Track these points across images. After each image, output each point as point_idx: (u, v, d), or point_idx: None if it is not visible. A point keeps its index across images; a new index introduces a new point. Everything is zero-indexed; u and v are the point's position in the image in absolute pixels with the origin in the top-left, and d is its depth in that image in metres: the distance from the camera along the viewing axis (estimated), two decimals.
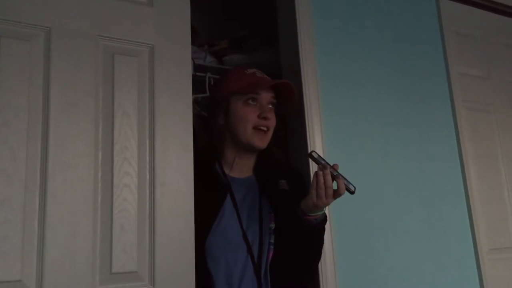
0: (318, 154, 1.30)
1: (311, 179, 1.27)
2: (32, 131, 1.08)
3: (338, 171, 1.27)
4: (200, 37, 2.18)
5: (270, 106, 1.40)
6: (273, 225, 1.40)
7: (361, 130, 1.85)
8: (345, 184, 1.25)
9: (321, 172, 1.24)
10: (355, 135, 1.83)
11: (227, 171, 1.40)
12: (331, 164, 1.28)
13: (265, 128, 1.37)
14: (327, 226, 1.36)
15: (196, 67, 1.95)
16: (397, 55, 2.06)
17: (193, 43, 1.40)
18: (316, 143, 1.67)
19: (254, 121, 1.36)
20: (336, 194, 1.24)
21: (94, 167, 1.14)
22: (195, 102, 1.55)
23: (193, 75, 1.35)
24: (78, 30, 1.17)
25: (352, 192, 1.27)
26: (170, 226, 1.19)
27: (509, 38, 2.53)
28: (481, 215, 2.10)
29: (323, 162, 1.27)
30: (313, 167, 1.58)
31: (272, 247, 1.37)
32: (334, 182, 1.26)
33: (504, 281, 2.10)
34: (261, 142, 1.38)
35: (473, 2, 2.40)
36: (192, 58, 1.38)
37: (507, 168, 2.30)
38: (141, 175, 1.19)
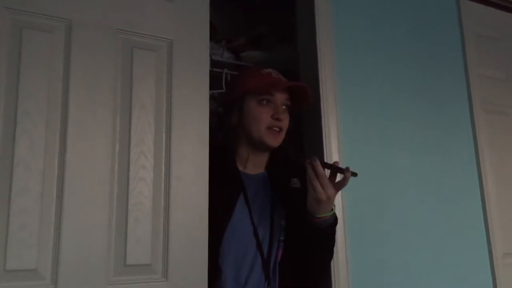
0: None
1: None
2: (51, 121, 1.09)
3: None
4: (218, 33, 2.18)
5: (284, 107, 1.40)
6: (284, 223, 1.40)
7: (377, 129, 1.84)
8: (343, 168, 1.23)
9: (310, 165, 1.24)
10: (372, 133, 1.82)
11: (240, 168, 1.41)
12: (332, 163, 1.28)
13: (277, 129, 1.38)
14: (339, 223, 1.35)
15: (213, 63, 1.95)
16: (416, 54, 2.04)
17: (211, 39, 1.40)
18: (332, 140, 1.67)
19: (267, 121, 1.36)
20: (340, 184, 1.23)
21: (111, 159, 1.15)
22: (212, 98, 1.55)
23: (210, 70, 1.36)
24: (98, 23, 1.19)
25: (355, 175, 1.24)
26: (184, 220, 1.20)
27: None
28: (497, 219, 2.07)
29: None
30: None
31: (282, 244, 1.38)
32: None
33: None
34: (275, 140, 1.38)
35: (494, 3, 2.37)
36: (209, 54, 1.39)
37: None
38: (156, 168, 1.20)
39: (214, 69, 1.95)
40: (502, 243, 2.07)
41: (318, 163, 1.24)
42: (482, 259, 1.99)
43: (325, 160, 1.60)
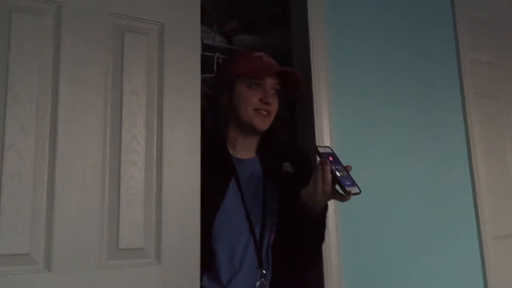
0: (330, 149, 1.26)
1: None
2: (42, 106, 1.08)
3: (350, 173, 1.23)
4: (210, 17, 2.16)
5: (273, 91, 1.40)
6: (276, 207, 1.41)
7: (369, 114, 1.85)
8: (346, 186, 1.19)
9: (320, 167, 1.21)
10: (363, 118, 1.82)
11: (230, 151, 1.41)
12: (344, 165, 1.24)
13: (265, 112, 1.38)
14: (331, 207, 1.36)
15: (205, 47, 1.94)
16: (408, 38, 2.04)
17: (202, 22, 1.39)
18: (324, 125, 1.67)
19: (255, 104, 1.37)
20: (338, 197, 1.22)
21: (102, 143, 1.14)
22: (203, 82, 1.54)
23: (201, 54, 1.35)
24: (88, 6, 1.17)
25: (356, 194, 1.20)
26: (177, 204, 1.20)
27: None
28: (487, 202, 2.10)
29: (325, 158, 1.22)
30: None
31: (274, 228, 1.39)
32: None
33: (507, 268, 2.11)
34: (262, 124, 1.39)
35: None
36: (201, 37, 1.38)
37: None
38: (148, 153, 1.20)
39: (206, 53, 1.94)
40: (491, 225, 2.09)
41: (327, 169, 1.20)
42: (472, 240, 2.02)
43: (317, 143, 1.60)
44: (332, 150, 1.27)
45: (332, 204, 1.58)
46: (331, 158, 1.23)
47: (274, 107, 1.40)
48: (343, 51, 1.83)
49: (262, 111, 1.37)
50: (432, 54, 2.10)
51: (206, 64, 1.85)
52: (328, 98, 1.71)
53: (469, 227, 2.03)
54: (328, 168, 1.20)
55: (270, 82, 1.39)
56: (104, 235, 1.11)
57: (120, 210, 1.14)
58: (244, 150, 1.44)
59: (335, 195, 1.22)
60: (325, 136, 1.66)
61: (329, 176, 1.19)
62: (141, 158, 1.19)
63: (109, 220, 1.13)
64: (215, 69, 1.96)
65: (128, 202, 1.15)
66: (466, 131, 2.10)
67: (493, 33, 2.39)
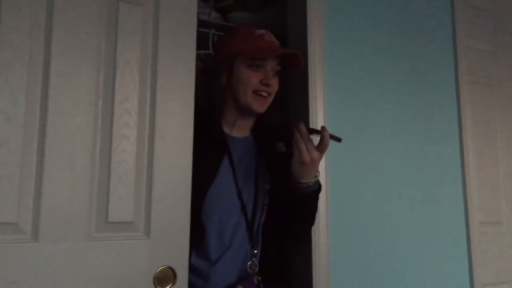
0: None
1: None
2: (32, 73, 1.06)
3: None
4: None
5: (274, 72, 1.38)
6: (268, 187, 1.41)
7: (364, 94, 1.85)
8: (330, 134, 1.25)
9: (295, 128, 1.25)
10: (357, 101, 1.82)
11: (227, 131, 1.40)
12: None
13: (265, 94, 1.36)
14: (322, 187, 1.36)
15: (200, 23, 1.90)
16: (405, 22, 2.04)
17: None
18: (318, 105, 1.66)
19: (255, 85, 1.34)
20: (321, 145, 1.25)
21: (94, 115, 1.13)
22: (197, 58, 1.52)
23: (196, 31, 1.32)
24: None
25: (339, 140, 1.28)
26: (168, 179, 1.20)
27: None
28: (475, 189, 2.12)
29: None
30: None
31: (266, 208, 1.39)
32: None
33: (492, 254, 2.14)
34: (260, 106, 1.36)
35: None
36: (196, 12, 1.35)
37: (504, 145, 2.31)
38: (140, 127, 1.19)
39: (201, 29, 1.91)
40: (479, 212, 2.12)
41: (303, 126, 1.24)
42: (459, 226, 2.04)
43: (311, 126, 1.60)
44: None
45: (323, 183, 1.59)
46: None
47: (274, 88, 1.38)
48: (340, 30, 1.82)
49: (262, 93, 1.35)
50: (429, 39, 2.10)
51: (200, 40, 1.82)
52: (323, 77, 1.70)
53: (457, 212, 2.05)
54: (303, 126, 1.25)
55: (271, 63, 1.36)
56: (93, 208, 1.11)
57: (110, 183, 1.13)
58: (240, 130, 1.42)
59: (319, 147, 1.25)
60: (319, 116, 1.65)
61: (306, 131, 1.24)
62: (133, 132, 1.18)
63: (99, 192, 1.12)
64: (211, 46, 1.93)
65: (118, 176, 1.14)
66: (459, 117, 2.11)
67: (491, 20, 2.38)
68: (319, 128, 1.29)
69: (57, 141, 1.07)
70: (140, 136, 1.19)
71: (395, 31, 1.99)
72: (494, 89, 2.34)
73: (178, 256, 1.19)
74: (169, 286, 1.15)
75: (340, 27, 1.82)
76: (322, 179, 1.59)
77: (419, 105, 2.01)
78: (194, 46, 1.29)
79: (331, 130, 1.29)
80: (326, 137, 1.24)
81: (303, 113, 1.67)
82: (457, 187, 2.07)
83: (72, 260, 1.06)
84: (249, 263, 1.33)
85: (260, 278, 1.35)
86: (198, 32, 1.48)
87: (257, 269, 1.35)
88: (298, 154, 1.24)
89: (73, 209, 1.08)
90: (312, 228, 1.56)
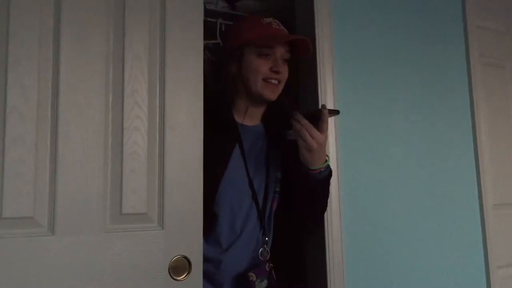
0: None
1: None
2: (43, 70, 1.07)
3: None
4: None
5: (284, 59, 1.38)
6: (279, 174, 1.41)
7: (373, 76, 1.84)
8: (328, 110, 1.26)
9: (293, 120, 1.26)
10: (367, 85, 1.81)
11: (239, 119, 1.40)
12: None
13: (275, 81, 1.36)
14: (333, 172, 1.36)
15: (207, 12, 1.90)
16: (414, 3, 2.01)
17: None
18: (327, 90, 1.66)
19: (265, 73, 1.34)
20: (322, 125, 1.25)
21: (104, 109, 1.14)
22: (205, 49, 1.52)
23: (204, 20, 1.32)
24: None
25: (337, 113, 1.29)
26: (179, 169, 1.20)
27: None
28: (489, 171, 2.10)
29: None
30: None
31: (277, 196, 1.40)
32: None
33: (507, 236, 2.13)
34: (272, 94, 1.37)
35: None
36: (203, 2, 1.35)
37: None
38: (151, 118, 1.19)
39: (208, 19, 1.90)
40: (493, 194, 2.10)
41: (299, 116, 1.25)
42: (472, 208, 2.03)
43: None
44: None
45: (335, 169, 1.59)
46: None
47: (284, 76, 1.38)
48: (348, 15, 1.80)
49: (272, 80, 1.35)
50: (438, 18, 2.07)
51: (208, 30, 1.82)
52: (332, 63, 1.70)
53: (471, 195, 2.03)
54: (299, 115, 1.26)
55: (280, 51, 1.36)
56: (107, 200, 1.12)
57: (123, 175, 1.14)
58: (252, 118, 1.43)
59: (321, 128, 1.25)
60: (328, 101, 1.65)
61: (305, 119, 1.25)
62: (143, 124, 1.18)
63: (112, 185, 1.13)
64: (218, 36, 1.93)
65: (131, 168, 1.15)
66: (471, 98, 2.09)
67: (502, 0, 2.34)
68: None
69: (69, 136, 1.08)
70: (151, 128, 1.19)
71: (404, 12, 1.97)
72: (507, 70, 2.31)
73: (192, 246, 1.20)
74: (184, 275, 1.17)
75: (347, 12, 1.80)
76: (333, 164, 1.60)
77: (430, 86, 1.99)
78: (202, 36, 1.29)
79: (341, 115, 1.28)
80: (325, 116, 1.24)
81: (313, 99, 1.66)
82: (470, 169, 2.05)
83: (88, 252, 1.08)
84: (260, 250, 1.35)
85: (271, 265, 1.36)
86: (206, 22, 1.48)
87: (268, 256, 1.36)
88: (303, 142, 1.24)
89: (87, 202, 1.09)
90: (325, 214, 1.56)
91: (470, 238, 2.00)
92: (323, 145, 1.26)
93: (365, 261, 1.69)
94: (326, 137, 1.27)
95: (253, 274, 1.30)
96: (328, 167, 1.32)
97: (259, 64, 1.34)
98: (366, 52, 1.83)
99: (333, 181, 1.57)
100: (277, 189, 1.41)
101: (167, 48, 1.23)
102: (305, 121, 1.24)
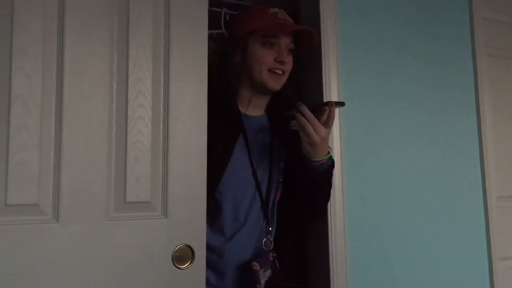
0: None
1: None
2: (47, 58, 1.07)
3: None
4: None
5: (288, 49, 1.37)
6: (283, 165, 1.41)
7: (377, 71, 1.82)
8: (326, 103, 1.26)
9: (297, 112, 1.24)
10: (372, 76, 1.80)
11: (242, 109, 1.40)
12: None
13: (280, 72, 1.36)
14: (337, 164, 1.36)
15: (212, 2, 1.89)
16: None
17: None
18: (332, 81, 1.65)
19: (270, 63, 1.34)
20: (328, 120, 1.25)
21: (109, 98, 1.14)
22: (210, 38, 1.51)
23: (208, 10, 1.32)
24: None
25: (343, 104, 1.28)
26: (183, 158, 1.21)
27: None
28: (493, 163, 2.10)
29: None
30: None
31: (280, 186, 1.40)
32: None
33: (510, 228, 2.13)
34: (276, 84, 1.37)
35: None
36: None
37: None
38: (155, 107, 1.20)
39: (213, 8, 1.90)
40: (497, 186, 2.10)
41: (304, 108, 1.24)
42: (476, 200, 2.02)
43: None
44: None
45: (338, 161, 1.58)
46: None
47: (288, 66, 1.38)
48: (353, 7, 1.79)
49: (276, 71, 1.35)
50: (444, 9, 2.05)
51: (212, 20, 1.81)
52: (337, 54, 1.69)
53: (475, 187, 2.03)
54: (304, 107, 1.24)
55: (285, 41, 1.36)
56: (111, 188, 1.13)
57: (127, 164, 1.15)
58: (255, 108, 1.43)
59: (325, 123, 1.25)
60: (332, 92, 1.64)
61: (310, 112, 1.23)
62: (147, 113, 1.18)
63: (116, 173, 1.13)
64: (222, 25, 1.92)
65: (135, 157, 1.16)
66: (476, 89, 2.07)
67: None
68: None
69: (73, 124, 1.09)
70: (155, 116, 1.19)
71: (409, 4, 1.95)
72: None
73: (196, 234, 1.20)
74: (187, 264, 1.17)
75: (352, 4, 1.79)
76: (337, 156, 1.60)
77: (435, 78, 1.98)
78: (206, 24, 1.29)
79: (345, 107, 1.27)
80: (332, 112, 1.24)
81: (317, 90, 1.66)
82: (474, 161, 2.04)
83: (92, 240, 1.09)
84: (264, 240, 1.35)
85: (275, 255, 1.37)
86: (210, 11, 1.47)
87: (272, 246, 1.36)
88: (307, 137, 1.24)
89: (91, 190, 1.10)
90: (328, 205, 1.56)
91: (474, 229, 2.00)
92: (326, 139, 1.26)
93: (367, 251, 1.69)
94: (329, 131, 1.27)
95: (257, 264, 1.30)
96: (331, 158, 1.31)
97: (264, 54, 1.34)
98: (371, 43, 1.82)
99: (337, 172, 1.57)
100: (280, 179, 1.41)
101: (171, 37, 1.22)
102: (309, 115, 1.23)
